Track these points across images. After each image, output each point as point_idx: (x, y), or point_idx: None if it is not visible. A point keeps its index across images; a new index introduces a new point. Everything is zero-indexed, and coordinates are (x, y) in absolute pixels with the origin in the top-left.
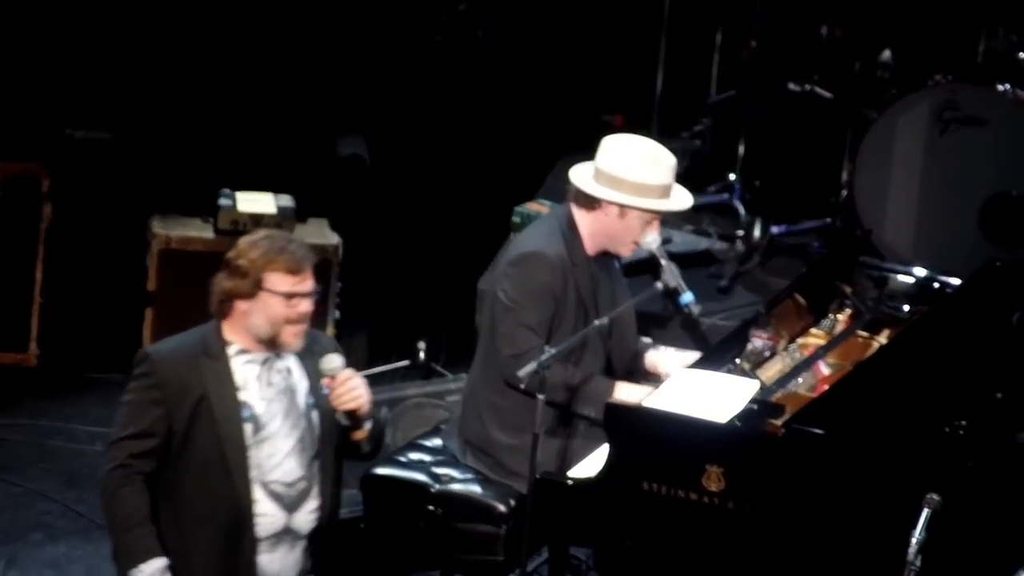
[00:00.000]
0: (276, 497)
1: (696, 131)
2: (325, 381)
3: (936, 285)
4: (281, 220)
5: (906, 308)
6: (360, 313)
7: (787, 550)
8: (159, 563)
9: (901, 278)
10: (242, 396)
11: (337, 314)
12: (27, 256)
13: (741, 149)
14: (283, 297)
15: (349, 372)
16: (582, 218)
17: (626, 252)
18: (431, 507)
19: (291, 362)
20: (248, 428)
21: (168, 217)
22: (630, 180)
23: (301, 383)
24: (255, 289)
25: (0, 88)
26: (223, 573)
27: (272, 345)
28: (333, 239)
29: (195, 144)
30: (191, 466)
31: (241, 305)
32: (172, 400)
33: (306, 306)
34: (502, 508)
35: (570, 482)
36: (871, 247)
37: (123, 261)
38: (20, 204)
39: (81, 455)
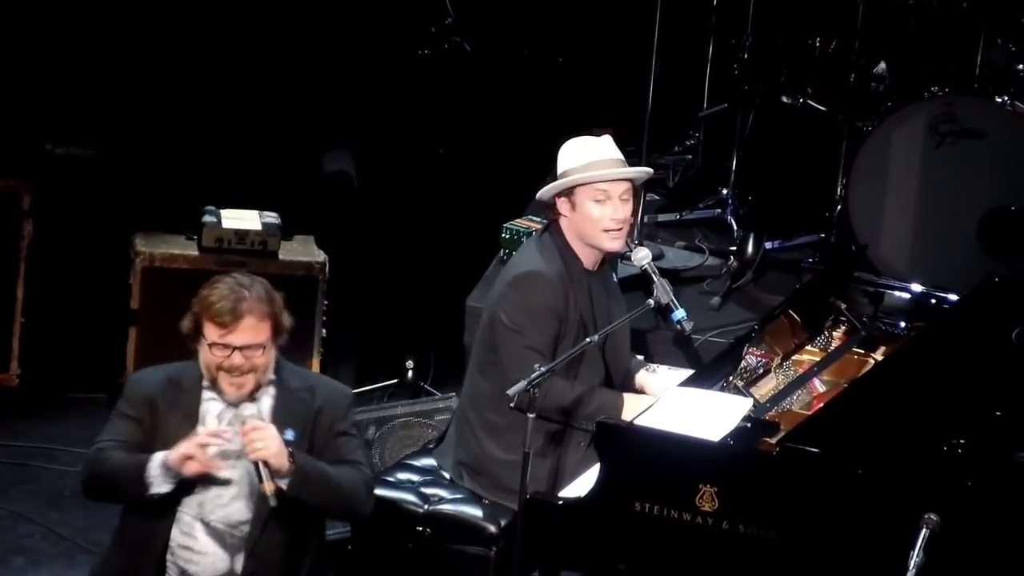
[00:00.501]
0: (217, 536)
1: (688, 145)
2: (238, 427)
3: (933, 301)
4: (266, 237)
5: (902, 324)
6: (347, 331)
7: (782, 571)
8: (157, 457)
9: (897, 294)
10: (199, 431)
11: (324, 332)
12: (8, 274)
13: (734, 163)
14: (211, 347)
15: (256, 423)
16: (564, 230)
17: (606, 243)
18: (420, 528)
19: (265, 407)
20: None
21: (151, 235)
22: (567, 168)
23: None
24: (196, 334)
25: None
26: None
27: (215, 390)
28: (319, 256)
29: (179, 161)
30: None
31: (195, 346)
32: (144, 419)
33: (237, 359)
34: (492, 529)
35: (561, 502)
36: (866, 262)
37: (106, 279)
38: (1, 221)
39: (64, 476)
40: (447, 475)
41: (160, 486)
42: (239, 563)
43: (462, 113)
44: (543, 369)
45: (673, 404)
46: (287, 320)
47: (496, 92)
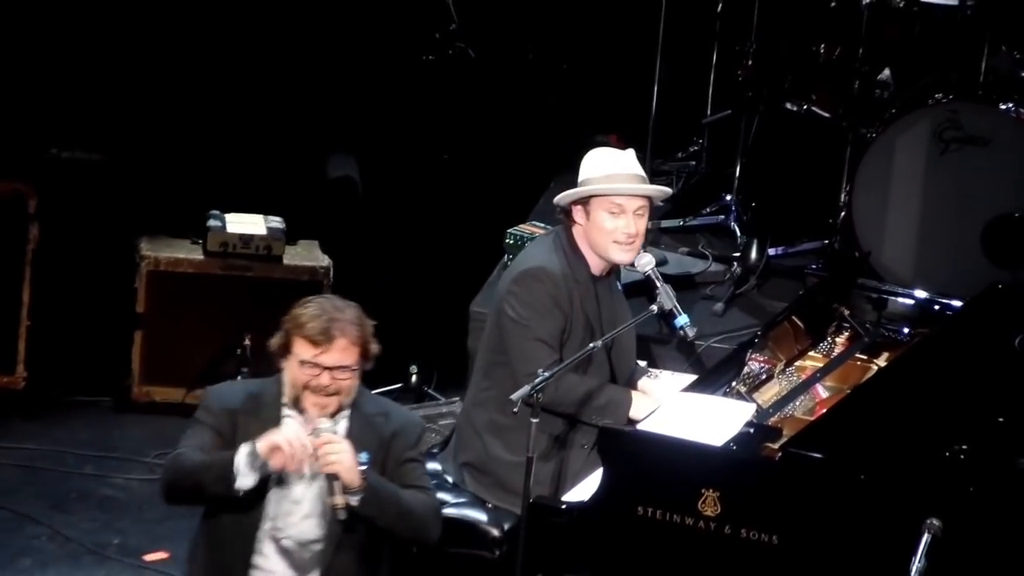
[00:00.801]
0: (286, 554)
1: (692, 151)
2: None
3: (936, 307)
4: (271, 241)
5: (906, 331)
6: None
7: (784, 575)
8: (245, 447)
9: (900, 300)
10: None
11: None
12: (14, 278)
13: (737, 169)
14: (302, 364)
15: (331, 436)
16: (575, 236)
17: (615, 255)
18: None
19: (341, 428)
20: (272, 480)
21: (156, 238)
22: (586, 177)
23: None
24: (285, 351)
25: None
26: None
27: (297, 408)
28: (324, 261)
29: (184, 165)
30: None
31: (281, 363)
32: (224, 430)
33: (326, 379)
34: (496, 533)
35: (564, 506)
36: (870, 269)
37: (111, 283)
38: (7, 225)
39: (70, 479)
40: (451, 479)
41: (245, 478)
42: None
43: (466, 118)
44: (547, 374)
45: (676, 409)
46: (375, 347)
47: (500, 98)
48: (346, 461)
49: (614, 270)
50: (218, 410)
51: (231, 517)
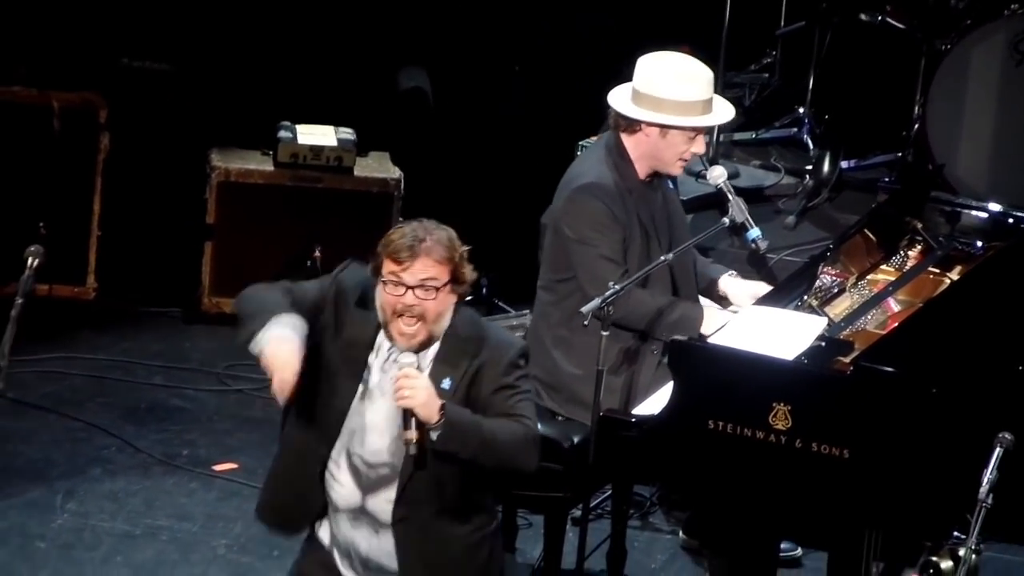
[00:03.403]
0: (354, 471)
1: (765, 63)
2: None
3: (1011, 220)
4: (342, 153)
5: (979, 244)
6: None
7: (854, 489)
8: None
9: (974, 213)
10: (369, 358)
11: None
12: (85, 188)
13: (811, 82)
14: (385, 283)
15: (408, 371)
16: (628, 142)
17: (676, 171)
18: None
19: (432, 351)
20: (360, 389)
21: (227, 150)
22: (667, 99)
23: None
24: (376, 274)
25: (57, 17)
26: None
27: (387, 334)
28: (395, 173)
29: (254, 76)
30: (312, 378)
31: (376, 285)
32: (327, 305)
33: (410, 298)
34: (565, 445)
35: (634, 420)
36: (943, 182)
37: (182, 193)
38: (78, 135)
39: (139, 390)
40: None
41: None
42: (370, 502)
43: (538, 30)
44: (617, 287)
45: (748, 323)
46: (469, 273)
47: (571, 8)
48: (420, 397)
49: (659, 174)
50: (340, 289)
51: (315, 423)
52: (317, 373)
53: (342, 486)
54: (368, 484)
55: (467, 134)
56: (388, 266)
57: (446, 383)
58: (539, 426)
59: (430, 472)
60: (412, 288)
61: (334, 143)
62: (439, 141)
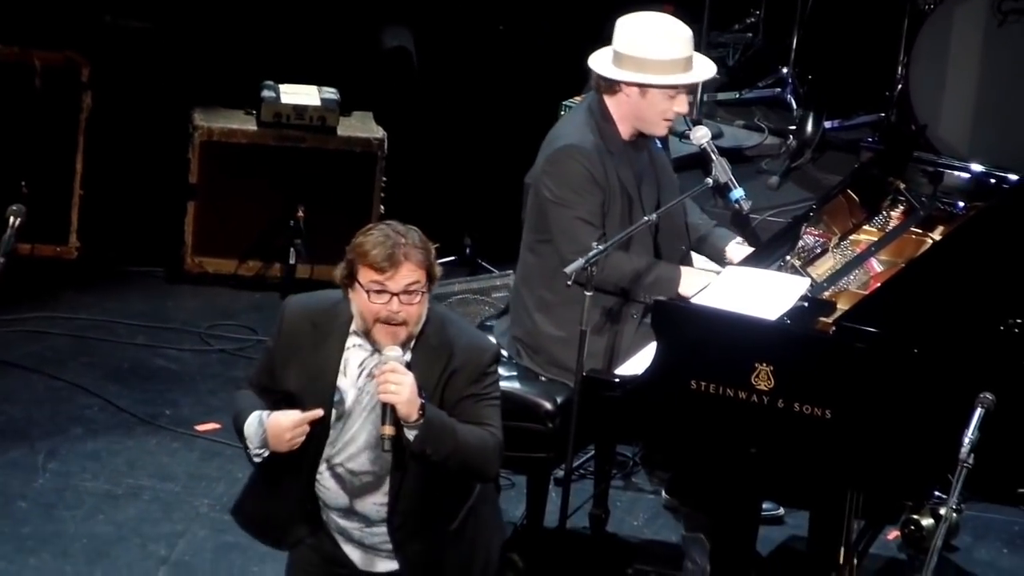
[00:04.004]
0: (338, 479)
1: (748, 23)
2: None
3: (992, 181)
4: (325, 113)
5: (961, 204)
6: (405, 207)
7: (836, 450)
8: (251, 423)
9: (956, 174)
10: (339, 380)
11: (382, 208)
12: (67, 147)
13: (794, 42)
14: (368, 292)
15: (395, 366)
16: (610, 104)
17: (660, 131)
18: None
19: (411, 360)
20: (333, 413)
21: (210, 109)
22: (643, 57)
23: None
24: (351, 280)
25: None
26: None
27: (369, 340)
28: (378, 132)
29: (238, 35)
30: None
31: (349, 293)
32: (284, 354)
33: (395, 305)
34: (548, 406)
35: (617, 380)
36: (926, 142)
37: (165, 153)
38: (60, 94)
39: (122, 350)
40: (505, 352)
41: (258, 450)
42: (358, 504)
43: None
44: (601, 247)
45: (730, 283)
46: (439, 270)
47: None
48: (405, 393)
49: (644, 134)
50: (286, 330)
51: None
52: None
53: (328, 490)
54: (354, 490)
55: (451, 94)
56: (368, 275)
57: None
58: (521, 385)
59: (419, 479)
60: (397, 295)
61: (317, 103)
62: (423, 101)
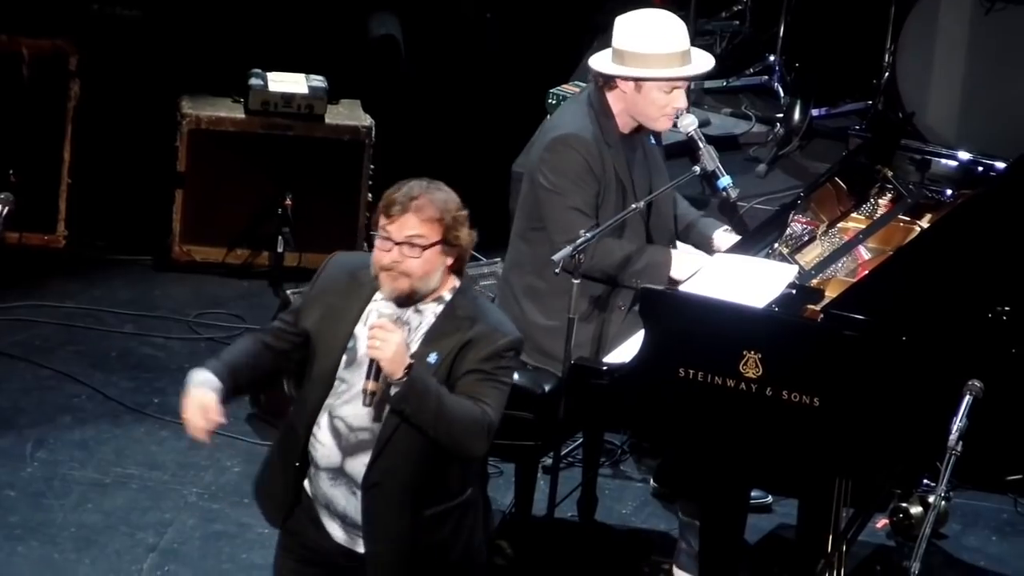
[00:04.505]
0: (335, 433)
1: (735, 11)
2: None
3: (980, 168)
4: (313, 101)
5: (949, 192)
6: None
7: (825, 437)
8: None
9: (944, 161)
10: (357, 328)
11: (370, 196)
12: (55, 135)
13: (781, 29)
14: (376, 238)
15: (385, 323)
16: (609, 98)
17: (661, 126)
18: None
19: (426, 322)
20: (344, 359)
21: (198, 97)
22: (640, 52)
23: (411, 346)
24: (374, 226)
25: None
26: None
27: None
28: (366, 120)
29: (225, 23)
30: (308, 359)
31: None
32: (315, 295)
33: (395, 254)
34: (536, 393)
35: (605, 368)
36: (913, 130)
37: (152, 141)
38: (48, 82)
39: (109, 338)
40: None
41: None
42: (349, 464)
43: None
44: (589, 235)
45: (718, 270)
46: (465, 237)
47: None
48: (388, 351)
49: (642, 128)
50: (323, 275)
51: (309, 382)
52: (313, 354)
53: (323, 445)
54: (348, 447)
55: (439, 82)
56: (380, 220)
57: (432, 357)
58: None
59: (407, 443)
60: (399, 244)
61: (305, 91)
62: (411, 89)
